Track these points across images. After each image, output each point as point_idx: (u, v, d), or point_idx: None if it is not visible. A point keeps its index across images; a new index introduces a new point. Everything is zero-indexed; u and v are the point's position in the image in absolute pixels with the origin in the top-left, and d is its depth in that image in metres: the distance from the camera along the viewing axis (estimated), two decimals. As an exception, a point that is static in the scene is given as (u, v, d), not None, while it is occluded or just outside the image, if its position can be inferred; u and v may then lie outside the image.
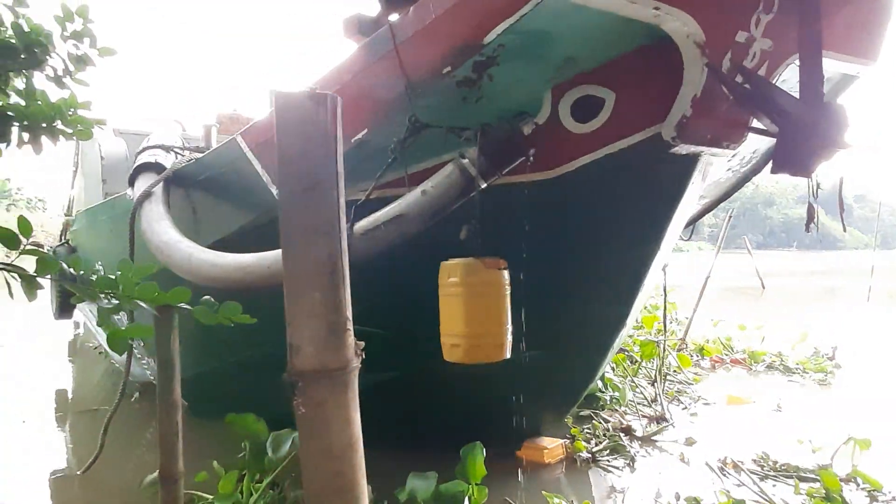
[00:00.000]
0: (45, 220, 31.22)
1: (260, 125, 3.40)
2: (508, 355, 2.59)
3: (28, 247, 1.36)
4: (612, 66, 2.75)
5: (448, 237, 2.70)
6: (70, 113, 1.68)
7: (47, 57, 1.69)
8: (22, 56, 1.63)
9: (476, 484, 2.80)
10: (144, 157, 3.73)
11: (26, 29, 1.63)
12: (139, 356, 5.10)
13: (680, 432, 4.29)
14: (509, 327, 2.57)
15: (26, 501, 3.38)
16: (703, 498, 3.18)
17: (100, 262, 4.95)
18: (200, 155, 3.83)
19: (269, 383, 3.95)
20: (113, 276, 1.51)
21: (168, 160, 3.85)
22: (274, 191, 3.27)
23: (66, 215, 6.19)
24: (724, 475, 3.58)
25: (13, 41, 1.62)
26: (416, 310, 3.33)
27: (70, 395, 5.77)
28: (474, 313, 2.44)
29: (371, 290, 3.33)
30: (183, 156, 4.02)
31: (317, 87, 3.12)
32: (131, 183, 3.63)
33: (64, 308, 5.47)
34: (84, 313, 6.31)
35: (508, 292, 2.58)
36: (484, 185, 2.56)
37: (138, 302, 1.59)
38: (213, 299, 1.92)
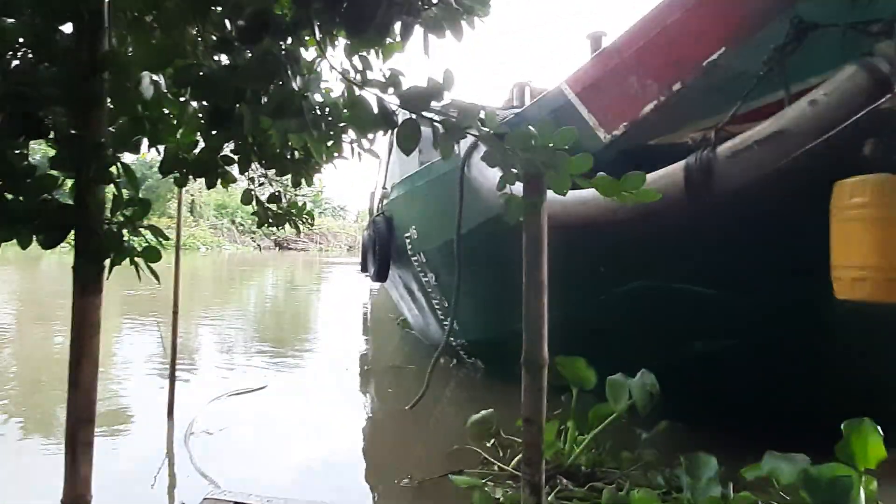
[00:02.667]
0: (345, 225, 37.04)
1: (585, 69, 3.28)
2: None
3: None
4: None
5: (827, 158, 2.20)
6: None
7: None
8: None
9: (865, 471, 2.23)
10: (468, 115, 3.89)
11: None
12: (443, 318, 5.43)
13: None
14: None
15: (370, 427, 3.75)
16: None
17: (414, 226, 5.41)
18: (519, 110, 3.88)
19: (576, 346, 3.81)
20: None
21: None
22: (601, 135, 3.10)
23: (382, 188, 6.97)
24: None
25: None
26: (773, 258, 2.86)
27: (370, 356, 6.40)
28: (894, 241, 1.92)
29: (708, 240, 2.98)
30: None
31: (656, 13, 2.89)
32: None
33: (381, 273, 6.11)
34: (393, 282, 6.99)
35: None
36: (902, 88, 2.02)
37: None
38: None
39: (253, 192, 1.76)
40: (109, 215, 1.08)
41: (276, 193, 1.73)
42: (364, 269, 7.50)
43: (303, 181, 1.57)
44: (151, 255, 1.15)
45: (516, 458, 2.87)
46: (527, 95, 4.96)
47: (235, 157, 1.50)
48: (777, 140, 2.16)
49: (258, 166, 1.55)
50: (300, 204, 1.79)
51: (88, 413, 1.22)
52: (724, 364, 3.17)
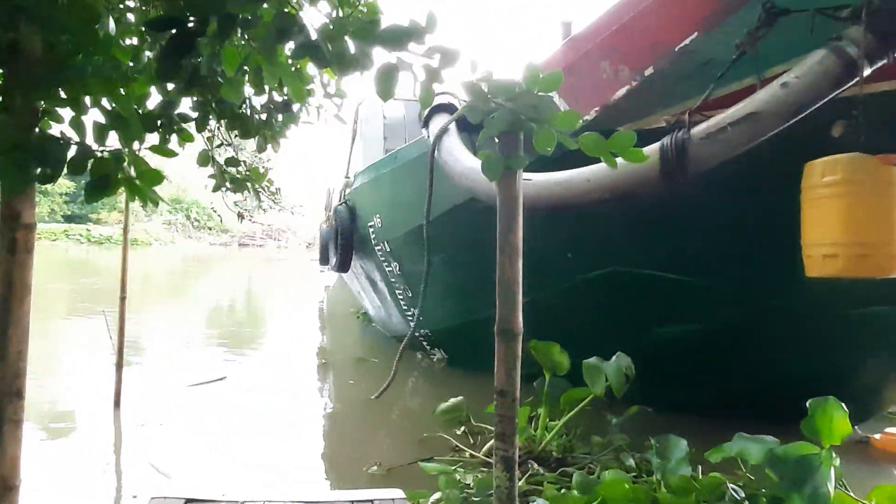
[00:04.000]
0: (304, 223, 36.50)
1: (557, 55, 3.27)
2: None
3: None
4: None
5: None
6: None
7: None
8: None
9: (831, 447, 2.27)
10: (437, 100, 3.83)
11: None
12: (406, 308, 5.35)
13: None
14: None
15: (341, 416, 3.66)
16: None
17: (378, 215, 5.31)
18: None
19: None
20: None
21: (458, 104, 3.91)
22: (572, 121, 3.10)
23: (345, 178, 6.84)
24: None
25: None
26: (745, 243, 2.90)
27: (330, 349, 6.24)
28: (863, 217, 1.95)
29: (673, 227, 3.01)
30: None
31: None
32: (426, 123, 3.75)
33: (344, 263, 5.98)
34: (354, 273, 6.86)
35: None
36: (869, 72, 2.06)
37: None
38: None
39: (210, 154, 1.66)
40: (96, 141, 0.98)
41: (235, 157, 1.63)
42: (323, 261, 7.33)
43: (269, 146, 1.48)
44: (152, 177, 1.03)
45: (487, 445, 2.84)
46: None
47: (193, 115, 1.38)
48: (750, 121, 2.17)
49: (221, 133, 1.45)
50: (261, 171, 1.69)
51: (17, 386, 1.11)
52: (690, 348, 3.22)
